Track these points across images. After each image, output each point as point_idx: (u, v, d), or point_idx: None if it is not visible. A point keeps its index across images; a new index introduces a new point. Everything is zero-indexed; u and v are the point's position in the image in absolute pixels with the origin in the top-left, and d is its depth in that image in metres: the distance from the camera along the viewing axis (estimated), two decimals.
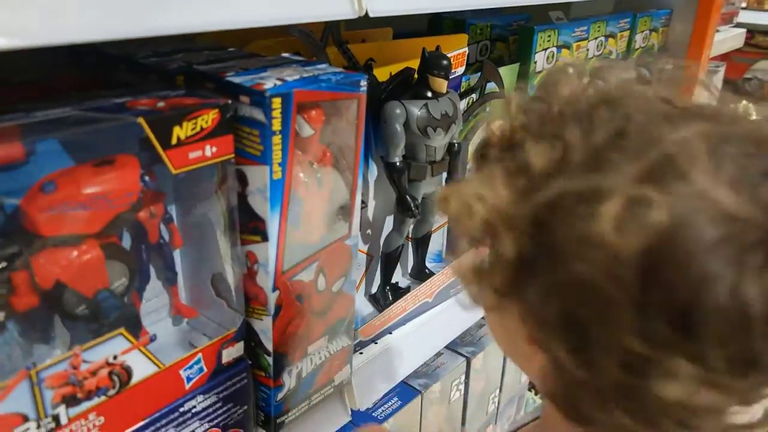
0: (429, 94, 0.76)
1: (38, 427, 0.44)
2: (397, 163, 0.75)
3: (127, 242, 0.54)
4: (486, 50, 1.13)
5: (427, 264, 0.96)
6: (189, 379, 0.55)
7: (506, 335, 0.45)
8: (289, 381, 0.62)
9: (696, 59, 1.39)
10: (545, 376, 0.39)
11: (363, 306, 0.84)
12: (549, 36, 1.04)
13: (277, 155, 0.51)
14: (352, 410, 0.75)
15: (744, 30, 1.88)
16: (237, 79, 0.51)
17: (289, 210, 0.56)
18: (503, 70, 0.99)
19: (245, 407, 0.61)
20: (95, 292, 0.47)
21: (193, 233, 0.59)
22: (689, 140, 0.33)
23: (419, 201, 0.81)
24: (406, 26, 1.04)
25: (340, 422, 0.74)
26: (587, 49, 1.18)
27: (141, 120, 0.44)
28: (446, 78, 0.75)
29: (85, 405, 0.47)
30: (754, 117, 0.39)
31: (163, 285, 0.60)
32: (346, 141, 0.59)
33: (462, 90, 0.91)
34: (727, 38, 1.70)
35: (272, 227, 0.54)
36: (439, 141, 0.78)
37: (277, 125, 0.50)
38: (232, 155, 0.52)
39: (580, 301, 0.34)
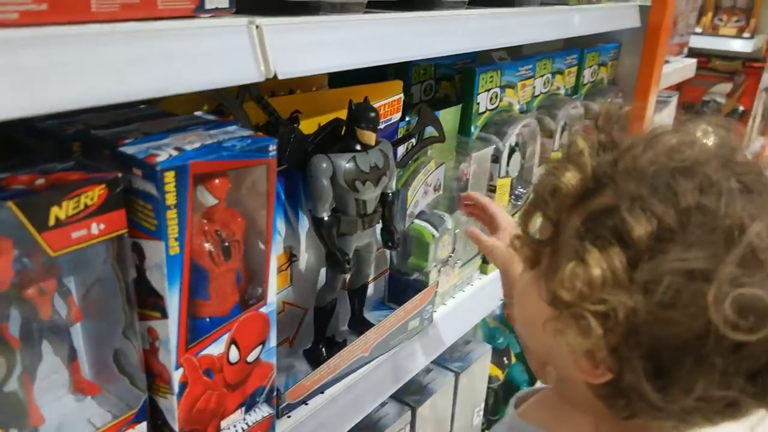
0: (358, 147, 0.73)
1: None
2: (325, 218, 0.72)
3: (16, 321, 0.50)
4: (431, 90, 1.12)
5: (369, 312, 0.93)
6: None
7: (559, 350, 0.49)
8: None
9: (645, 91, 1.40)
10: (600, 385, 0.48)
11: (297, 362, 0.81)
12: (491, 77, 1.03)
13: (173, 230, 0.48)
14: None
15: (695, 59, 1.91)
16: (131, 149, 0.48)
17: (194, 282, 0.53)
18: (446, 113, 0.98)
19: None
20: None
21: (94, 307, 0.55)
22: (762, 233, 0.42)
23: (350, 255, 0.79)
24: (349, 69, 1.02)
25: None
26: (533, 87, 1.18)
27: (11, 204, 0.41)
28: (374, 130, 0.73)
29: None
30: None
31: (62, 361, 0.56)
32: (258, 205, 0.56)
33: (399, 136, 0.89)
34: (678, 69, 1.72)
35: (171, 303, 0.50)
36: (369, 194, 0.75)
37: (171, 199, 0.47)
38: (125, 231, 0.48)
39: (676, 355, 0.43)
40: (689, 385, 0.43)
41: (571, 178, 0.48)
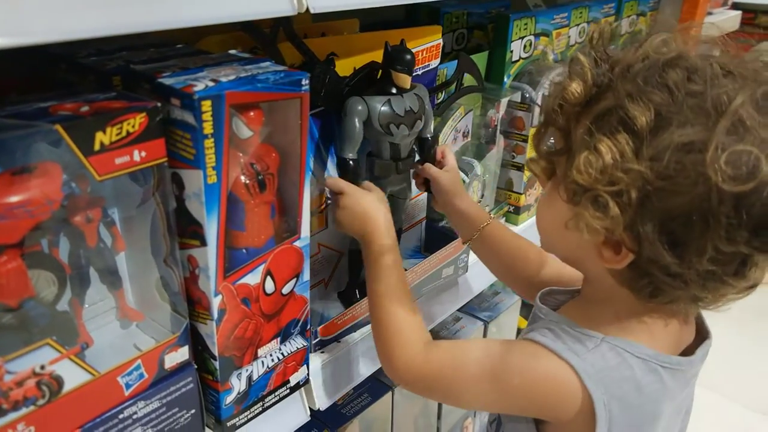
0: (393, 90, 0.73)
1: None
2: (350, 161, 0.72)
3: (65, 247, 0.53)
4: (463, 39, 1.10)
5: (405, 260, 0.94)
6: (128, 385, 0.54)
7: (581, 246, 0.57)
8: (238, 384, 0.61)
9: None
10: (622, 270, 0.54)
11: (332, 303, 0.83)
12: (526, 24, 1.02)
13: (210, 159, 0.50)
14: (311, 410, 0.75)
15: (740, 12, 1.83)
16: (169, 81, 0.50)
17: (231, 213, 0.55)
18: (475, 57, 0.97)
19: (193, 411, 0.60)
20: (20, 301, 0.46)
21: (137, 236, 0.58)
22: (746, 102, 0.48)
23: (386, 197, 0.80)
24: (380, 16, 1.02)
25: (299, 422, 0.73)
26: (569, 36, 1.16)
27: (58, 127, 0.43)
28: (409, 73, 0.73)
29: (12, 416, 0.46)
30: None
31: (108, 289, 0.59)
32: (292, 141, 0.58)
33: (438, 83, 0.89)
34: (721, 20, 1.66)
35: (210, 232, 0.52)
36: (403, 138, 0.76)
37: (208, 128, 0.48)
38: (165, 159, 0.50)
39: (685, 220, 0.48)
40: (701, 246, 0.49)
41: (575, 87, 0.54)
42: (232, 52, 0.62)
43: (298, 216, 0.60)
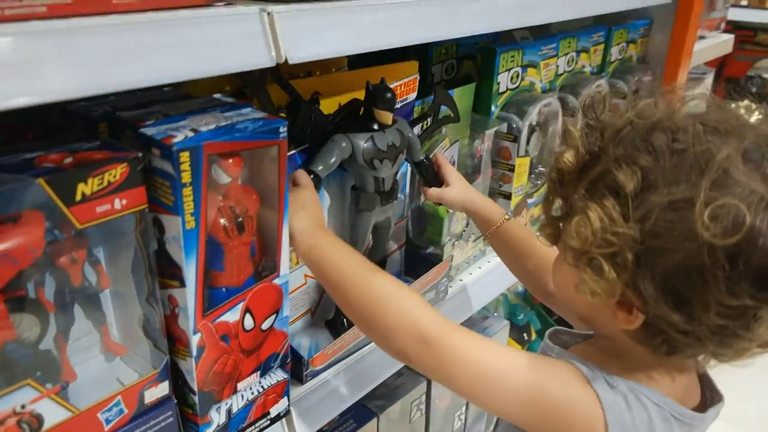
0: (375, 127, 0.76)
1: None
2: (311, 173, 0.71)
3: (51, 287, 0.55)
4: (452, 69, 1.13)
5: None
6: (108, 421, 0.56)
7: (596, 307, 0.57)
8: (218, 417, 0.63)
9: (674, 68, 1.38)
10: (637, 330, 0.55)
11: (319, 332, 0.85)
12: (512, 56, 1.04)
13: (188, 206, 0.52)
14: None
15: (732, 36, 1.85)
16: (151, 131, 0.52)
17: (210, 254, 0.57)
18: (460, 91, 1.00)
19: None
20: (1, 344, 0.48)
21: (122, 274, 0.60)
22: (731, 156, 0.49)
23: (369, 231, 0.82)
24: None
25: None
26: (557, 66, 1.18)
27: (41, 181, 0.45)
28: (391, 110, 0.75)
29: None
30: (756, 118, 0.55)
31: (93, 324, 0.61)
32: (271, 184, 0.60)
33: (415, 116, 0.91)
34: (714, 45, 1.68)
35: (189, 274, 0.54)
36: (386, 172, 0.78)
37: (186, 177, 0.51)
38: (145, 206, 0.52)
39: (684, 277, 0.49)
40: (705, 302, 0.49)
41: (568, 157, 0.58)
42: (217, 96, 0.65)
43: (277, 255, 0.62)
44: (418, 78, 0.87)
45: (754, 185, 0.48)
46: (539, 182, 1.17)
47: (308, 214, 0.66)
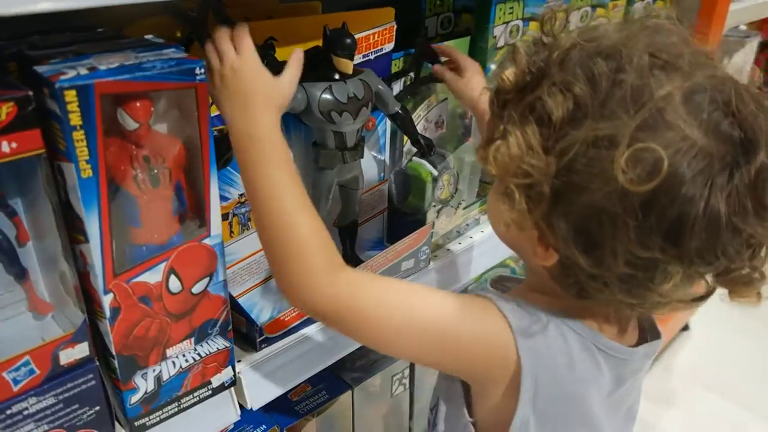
0: (336, 76, 0.69)
1: None
2: None
3: None
4: (449, 23, 1.04)
5: (367, 251, 0.91)
6: (16, 381, 0.53)
7: (518, 240, 0.56)
8: (144, 384, 0.59)
9: (705, 28, 1.24)
10: (552, 267, 0.53)
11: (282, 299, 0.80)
12: (511, 8, 0.95)
13: (82, 152, 0.47)
14: (243, 409, 0.72)
15: None
16: (44, 68, 0.47)
17: (119, 207, 0.52)
18: (452, 44, 0.91)
19: (97, 408, 0.58)
20: None
21: (45, 227, 0.56)
22: (671, 94, 0.44)
23: (331, 190, 0.76)
24: None
25: (227, 422, 0.71)
26: (567, 21, 1.07)
27: None
28: (350, 58, 0.68)
29: None
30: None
31: (15, 280, 0.58)
32: (193, 133, 0.54)
33: (394, 70, 0.84)
34: (754, 5, 1.51)
35: (92, 228, 0.50)
36: (347, 126, 0.71)
37: (75, 119, 0.46)
38: (41, 150, 0.48)
39: (595, 219, 0.47)
40: (614, 249, 0.47)
41: (509, 74, 0.53)
42: (149, 36, 0.59)
43: (206, 212, 0.57)
44: (395, 26, 0.80)
45: (689, 131, 0.44)
46: None
47: (260, 84, 0.57)
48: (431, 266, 0.91)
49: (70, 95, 0.45)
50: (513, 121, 0.51)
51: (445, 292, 0.58)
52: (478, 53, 0.95)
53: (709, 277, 0.50)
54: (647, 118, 0.44)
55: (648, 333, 0.62)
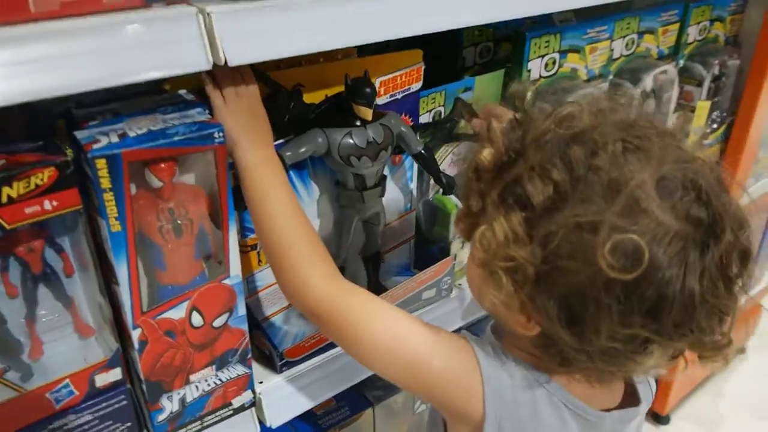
0: (357, 123, 0.73)
1: None
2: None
3: (16, 272, 0.60)
4: (488, 53, 1.05)
5: (393, 277, 0.95)
6: (58, 400, 0.60)
7: (501, 311, 0.56)
8: (170, 405, 0.66)
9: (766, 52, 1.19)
10: (535, 336, 0.55)
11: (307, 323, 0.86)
12: (547, 41, 0.95)
13: (112, 210, 0.53)
14: (264, 426, 0.78)
15: None
16: (83, 134, 0.53)
17: (146, 254, 0.58)
18: (487, 78, 0.93)
19: (128, 424, 0.66)
20: None
21: (84, 262, 0.63)
22: (645, 182, 0.47)
23: (352, 228, 0.80)
24: None
25: None
26: (611, 49, 1.06)
27: None
28: (369, 106, 0.72)
29: None
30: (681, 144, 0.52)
31: (63, 306, 0.66)
32: (214, 188, 0.60)
33: (422, 110, 0.86)
34: None
35: (121, 274, 0.56)
36: (366, 169, 0.75)
37: (106, 183, 0.52)
38: (78, 207, 0.54)
39: (579, 300, 0.48)
40: (597, 327, 0.48)
41: (486, 154, 0.55)
42: (182, 92, 0.65)
43: (225, 256, 0.63)
44: (423, 67, 0.82)
45: (663, 217, 0.46)
46: None
47: (254, 118, 0.63)
48: (452, 295, 0.93)
49: (101, 163, 0.51)
50: (495, 205, 0.53)
51: (431, 327, 0.61)
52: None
53: (681, 347, 0.53)
54: (624, 205, 0.46)
55: (628, 399, 0.63)
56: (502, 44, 1.06)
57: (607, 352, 0.50)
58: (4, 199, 0.50)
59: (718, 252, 0.47)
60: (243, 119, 0.62)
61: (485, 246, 0.52)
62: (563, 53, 0.98)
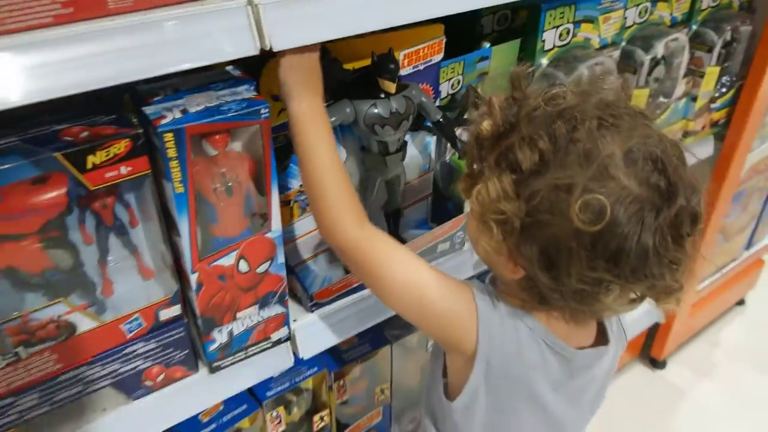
0: (381, 95, 0.81)
1: (3, 358, 0.64)
2: None
3: (92, 223, 0.70)
4: (505, 20, 1.11)
5: (411, 230, 1.05)
6: (130, 330, 0.72)
7: (493, 259, 0.67)
8: (220, 337, 0.78)
9: None
10: (520, 279, 0.65)
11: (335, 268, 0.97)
12: (562, 13, 1.00)
13: (176, 175, 0.63)
14: (297, 357, 0.90)
15: None
16: (150, 109, 0.63)
17: (203, 212, 0.69)
18: (503, 47, 1.00)
19: (185, 352, 0.78)
20: (41, 270, 0.64)
21: (147, 216, 0.74)
22: (614, 153, 0.57)
23: (376, 186, 0.90)
24: None
25: (283, 367, 0.89)
26: (624, 18, 1.11)
27: (58, 155, 0.58)
28: (393, 80, 0.80)
29: (39, 346, 0.66)
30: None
31: (129, 252, 0.77)
32: (260, 156, 0.69)
33: (442, 79, 0.94)
34: None
35: (183, 228, 0.67)
36: (389, 136, 0.84)
37: (172, 153, 0.61)
38: (148, 171, 0.64)
39: (555, 248, 0.59)
40: (568, 270, 0.59)
41: (486, 125, 0.65)
42: (230, 68, 0.73)
43: (268, 213, 0.73)
44: (444, 40, 0.89)
45: (627, 182, 0.56)
46: None
47: (312, 77, 0.70)
48: (465, 248, 1.03)
49: (168, 136, 0.60)
50: (491, 167, 0.62)
51: (440, 273, 0.71)
52: (527, 54, 1.03)
53: (639, 291, 0.62)
54: (595, 171, 0.56)
55: (600, 339, 0.74)
56: (520, 12, 1.11)
57: (578, 292, 0.60)
58: (89, 165, 0.60)
59: (671, 213, 0.56)
60: (301, 74, 0.69)
61: (481, 201, 0.62)
62: (577, 23, 1.04)
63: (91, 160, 0.60)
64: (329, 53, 0.78)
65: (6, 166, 0.57)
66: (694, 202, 0.58)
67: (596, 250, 0.57)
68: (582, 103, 0.60)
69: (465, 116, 0.94)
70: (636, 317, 1.71)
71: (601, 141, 0.57)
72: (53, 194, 0.61)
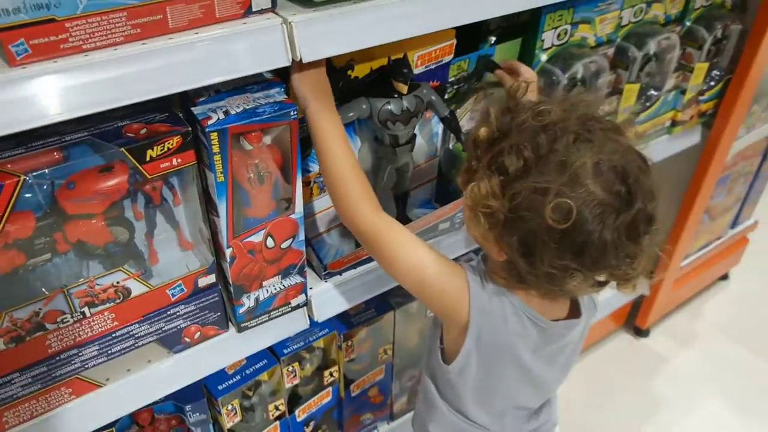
0: (395, 94, 0.92)
1: (72, 316, 0.77)
2: None
3: (142, 202, 0.82)
4: (511, 16, 1.19)
5: (417, 209, 1.17)
6: (173, 295, 0.85)
7: (483, 242, 0.79)
8: (248, 302, 0.91)
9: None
10: (503, 261, 0.77)
11: (347, 241, 1.09)
12: (560, 15, 1.09)
13: (218, 167, 0.74)
14: (312, 320, 1.03)
15: None
16: (198, 109, 0.74)
17: (238, 196, 0.80)
18: (504, 46, 1.09)
19: (219, 313, 0.91)
20: (104, 244, 0.76)
21: (191, 198, 0.85)
22: (585, 163, 0.67)
23: (386, 174, 1.01)
24: None
25: (300, 328, 1.02)
26: (620, 17, 1.20)
27: (123, 150, 0.69)
28: (405, 83, 0.90)
29: (101, 307, 0.79)
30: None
31: (172, 227, 0.89)
32: (289, 150, 0.80)
33: (452, 74, 1.04)
34: None
35: (221, 210, 0.79)
36: (399, 131, 0.95)
37: (216, 149, 0.73)
38: (194, 163, 0.76)
39: (531, 239, 0.70)
40: (541, 258, 0.70)
41: (483, 131, 0.76)
42: (262, 71, 0.84)
43: (293, 197, 0.84)
44: (455, 42, 0.99)
45: (593, 189, 0.67)
46: None
47: (320, 85, 0.82)
48: (462, 228, 1.15)
49: (214, 135, 0.71)
50: (484, 169, 0.73)
51: (439, 255, 0.83)
52: (527, 52, 1.12)
53: (601, 278, 0.75)
54: (568, 179, 0.67)
55: (573, 312, 0.86)
56: None
57: (549, 276, 0.72)
58: (148, 158, 0.72)
59: (629, 216, 0.68)
60: (312, 85, 0.81)
61: (473, 197, 0.74)
62: (575, 24, 1.13)
63: (150, 153, 0.72)
64: (334, 71, 0.89)
65: (78, 160, 0.69)
66: (650, 207, 0.70)
67: (564, 243, 0.68)
68: (565, 119, 0.70)
69: (474, 87, 1.04)
70: None
71: (575, 153, 0.68)
72: (117, 180, 0.73)
